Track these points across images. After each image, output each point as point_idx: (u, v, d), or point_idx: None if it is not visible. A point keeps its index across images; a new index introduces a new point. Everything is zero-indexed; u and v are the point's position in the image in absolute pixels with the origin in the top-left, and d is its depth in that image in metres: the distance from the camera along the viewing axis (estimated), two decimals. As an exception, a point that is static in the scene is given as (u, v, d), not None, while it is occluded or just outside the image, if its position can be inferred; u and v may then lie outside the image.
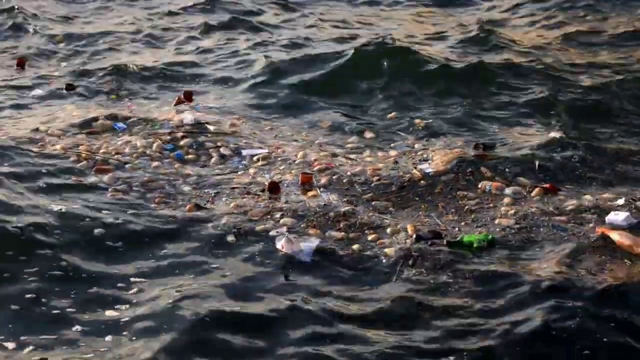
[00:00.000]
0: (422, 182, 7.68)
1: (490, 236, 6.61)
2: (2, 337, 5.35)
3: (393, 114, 9.61)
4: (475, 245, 6.49)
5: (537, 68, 10.84)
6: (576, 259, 6.32)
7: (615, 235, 6.60)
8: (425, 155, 8.32)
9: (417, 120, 9.34)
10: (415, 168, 7.91)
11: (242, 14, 13.61)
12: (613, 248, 6.47)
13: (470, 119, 9.49)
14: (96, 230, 6.67)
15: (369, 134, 9.08)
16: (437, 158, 8.11)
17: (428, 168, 7.94)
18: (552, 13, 13.36)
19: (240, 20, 13.23)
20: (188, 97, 9.87)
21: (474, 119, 9.49)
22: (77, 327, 5.50)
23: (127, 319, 5.59)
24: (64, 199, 7.15)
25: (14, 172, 7.56)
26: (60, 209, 6.87)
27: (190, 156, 8.32)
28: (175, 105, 9.71)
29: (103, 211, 6.96)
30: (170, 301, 5.69)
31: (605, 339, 5.37)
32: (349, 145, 8.75)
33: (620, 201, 7.21)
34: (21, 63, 11.33)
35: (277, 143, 8.63)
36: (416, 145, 8.74)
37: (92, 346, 5.31)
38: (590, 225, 6.84)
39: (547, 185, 7.55)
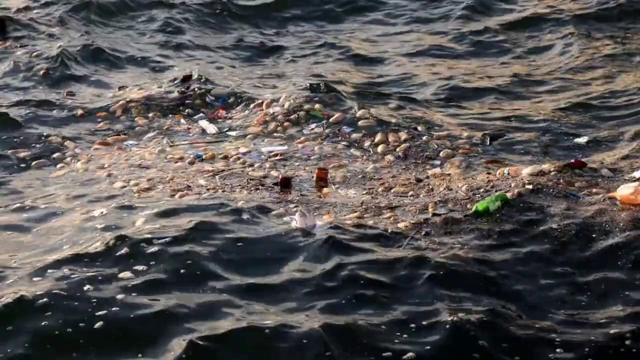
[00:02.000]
0: (439, 176, 7.74)
1: (500, 196, 6.67)
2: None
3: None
4: (491, 209, 6.55)
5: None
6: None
7: (620, 190, 6.68)
8: (432, 147, 8.42)
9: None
10: (430, 170, 7.92)
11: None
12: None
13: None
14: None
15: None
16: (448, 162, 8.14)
17: (442, 169, 7.95)
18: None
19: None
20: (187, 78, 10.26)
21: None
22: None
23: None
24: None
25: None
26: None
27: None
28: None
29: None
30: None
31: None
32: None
33: (637, 173, 7.25)
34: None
35: (297, 139, 8.71)
36: (420, 128, 8.93)
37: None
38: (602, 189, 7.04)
39: (573, 161, 7.59)
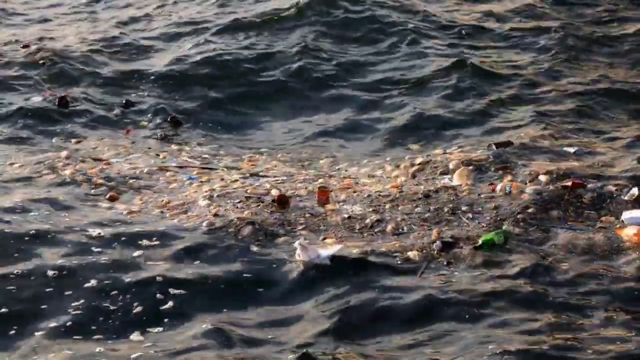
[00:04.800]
0: (447, 191, 7.48)
1: (502, 232, 6.58)
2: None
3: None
4: (496, 242, 6.49)
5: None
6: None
7: (625, 230, 6.61)
8: (444, 164, 8.15)
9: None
10: (439, 182, 7.73)
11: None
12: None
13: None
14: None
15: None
16: (457, 173, 7.86)
17: (452, 182, 7.75)
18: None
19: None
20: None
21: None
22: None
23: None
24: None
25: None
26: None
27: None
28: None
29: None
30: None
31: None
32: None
33: (635, 190, 7.16)
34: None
35: (298, 172, 8.37)
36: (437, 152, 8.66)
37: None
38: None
39: (571, 183, 7.34)
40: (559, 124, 9.24)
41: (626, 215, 6.85)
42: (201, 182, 7.89)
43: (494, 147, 8.48)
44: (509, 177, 7.62)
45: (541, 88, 10.30)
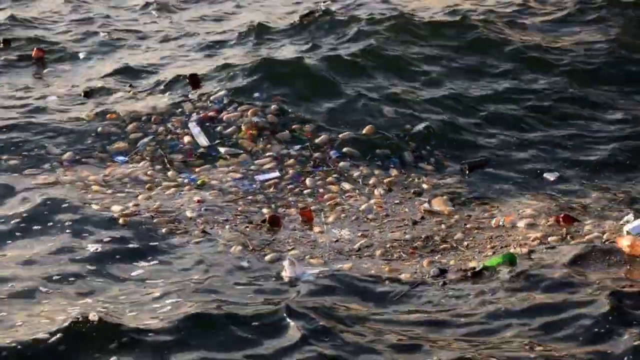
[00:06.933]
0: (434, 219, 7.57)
1: (508, 256, 6.52)
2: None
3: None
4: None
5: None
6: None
7: (620, 242, 6.68)
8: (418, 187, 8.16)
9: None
10: (422, 206, 7.76)
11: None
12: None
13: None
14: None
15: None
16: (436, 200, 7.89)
17: (433, 206, 7.77)
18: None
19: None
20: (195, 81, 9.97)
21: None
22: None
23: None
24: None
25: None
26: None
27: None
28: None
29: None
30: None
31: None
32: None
33: (630, 216, 7.23)
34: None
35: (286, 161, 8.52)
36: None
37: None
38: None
39: (562, 216, 7.38)
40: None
41: (629, 225, 6.95)
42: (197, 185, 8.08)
43: (467, 170, 8.33)
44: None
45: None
